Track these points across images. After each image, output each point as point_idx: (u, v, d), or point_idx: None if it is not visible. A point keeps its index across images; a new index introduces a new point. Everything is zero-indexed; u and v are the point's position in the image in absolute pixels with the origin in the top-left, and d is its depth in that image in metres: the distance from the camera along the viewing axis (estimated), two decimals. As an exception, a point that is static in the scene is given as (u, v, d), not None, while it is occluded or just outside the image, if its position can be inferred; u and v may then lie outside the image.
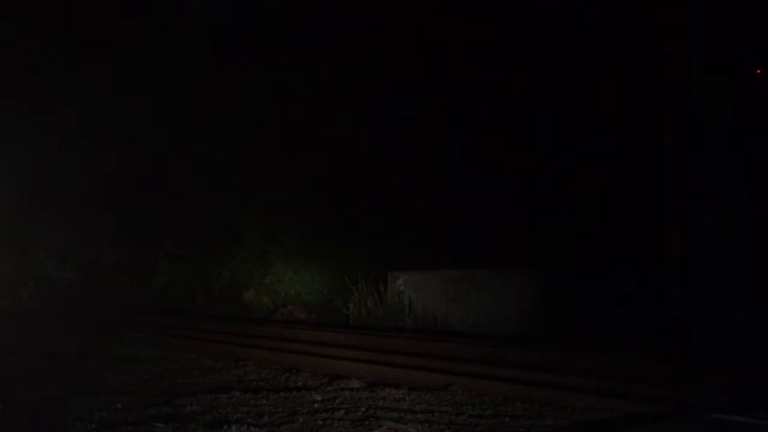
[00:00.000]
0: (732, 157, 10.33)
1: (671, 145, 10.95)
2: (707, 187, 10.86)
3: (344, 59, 16.55)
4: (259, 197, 18.50)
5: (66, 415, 5.02)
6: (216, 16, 17.78)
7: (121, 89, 20.37)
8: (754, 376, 6.65)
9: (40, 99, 21.47)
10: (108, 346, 9.54)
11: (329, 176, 17.01)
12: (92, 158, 22.43)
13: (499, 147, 14.09)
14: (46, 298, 25.16)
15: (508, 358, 7.92)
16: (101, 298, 22.44)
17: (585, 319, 10.37)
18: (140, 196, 21.86)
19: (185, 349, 8.85)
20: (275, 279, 17.67)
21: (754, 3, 11.00)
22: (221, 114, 19.18)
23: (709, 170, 10.77)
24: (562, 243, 12.28)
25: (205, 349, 8.84)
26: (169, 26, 18.39)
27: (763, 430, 4.54)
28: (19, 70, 21.23)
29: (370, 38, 15.69)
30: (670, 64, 11.70)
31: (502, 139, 14.14)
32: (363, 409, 5.21)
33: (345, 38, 16.17)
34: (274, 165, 18.18)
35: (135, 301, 20.97)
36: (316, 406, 5.38)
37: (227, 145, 19.12)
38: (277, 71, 17.59)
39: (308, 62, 17.28)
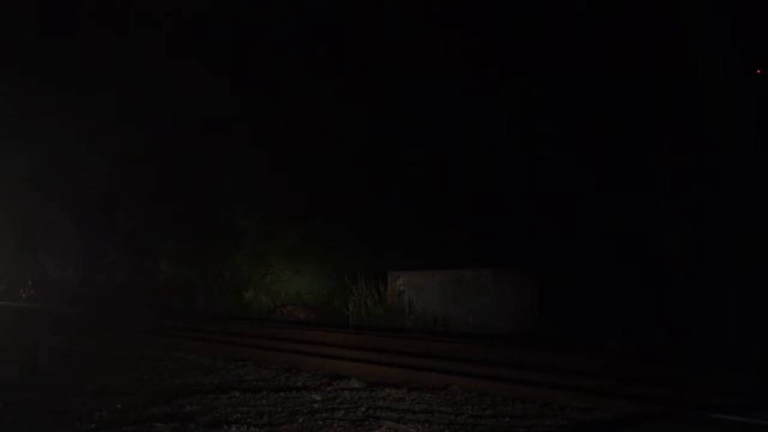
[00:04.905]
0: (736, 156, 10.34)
1: (671, 143, 10.94)
2: (708, 187, 10.87)
3: (344, 60, 16.56)
4: (259, 197, 18.50)
5: (66, 415, 5.01)
6: (216, 16, 17.79)
7: (121, 92, 20.37)
8: (753, 378, 6.65)
9: (40, 102, 21.51)
10: (108, 346, 9.54)
11: (329, 176, 17.00)
12: (93, 159, 22.46)
13: (497, 146, 14.07)
14: (46, 298, 25.18)
15: (508, 358, 7.92)
16: (101, 298, 22.44)
17: (585, 319, 10.36)
18: (141, 197, 21.87)
19: (185, 349, 8.85)
20: (275, 279, 17.68)
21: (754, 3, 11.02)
22: (222, 114, 19.18)
23: (711, 166, 10.78)
24: (562, 243, 12.27)
25: (205, 349, 8.84)
26: (169, 25, 18.40)
27: (763, 430, 4.54)
28: (20, 74, 21.29)
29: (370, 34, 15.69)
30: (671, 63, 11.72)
31: (499, 138, 14.12)
32: (363, 409, 5.21)
33: (345, 39, 16.18)
34: (274, 166, 18.18)
35: (135, 300, 20.98)
36: (316, 406, 5.37)
37: (228, 146, 19.12)
38: (278, 72, 17.59)
39: (308, 64, 17.28)
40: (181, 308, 18.93)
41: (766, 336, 8.35)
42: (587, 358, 8.26)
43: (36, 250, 27.70)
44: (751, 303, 9.36)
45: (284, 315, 15.97)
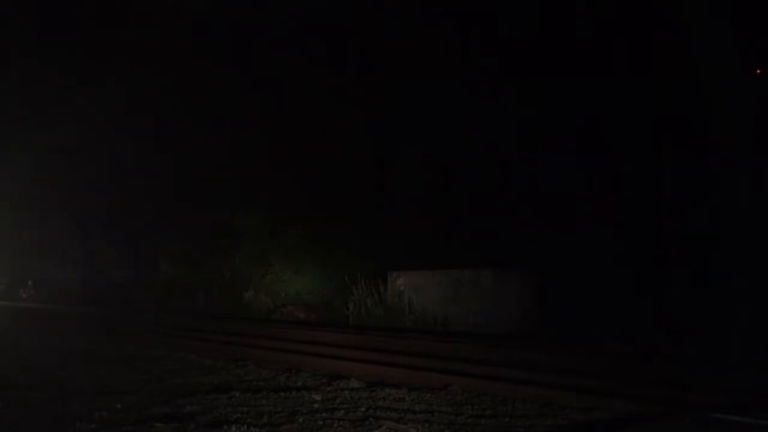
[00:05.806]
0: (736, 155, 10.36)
1: (671, 143, 10.95)
2: (708, 190, 10.88)
3: (345, 60, 16.55)
4: (259, 198, 18.50)
5: (66, 415, 5.01)
6: (216, 16, 17.81)
7: (121, 92, 20.39)
8: (753, 378, 6.65)
9: (40, 101, 21.54)
10: (108, 346, 9.54)
11: (329, 176, 16.99)
12: (94, 159, 22.46)
13: (497, 146, 14.07)
14: (46, 298, 25.18)
15: (508, 358, 7.92)
16: (101, 298, 22.44)
17: (585, 319, 10.36)
18: (141, 197, 21.88)
19: (185, 349, 8.85)
20: (275, 279, 17.69)
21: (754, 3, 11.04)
22: (222, 115, 19.19)
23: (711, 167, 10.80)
24: (562, 243, 12.27)
25: (205, 349, 8.84)
26: (169, 25, 18.41)
27: (763, 430, 4.54)
28: (20, 74, 21.34)
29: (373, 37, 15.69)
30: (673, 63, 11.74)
31: (499, 138, 14.12)
32: (363, 409, 5.21)
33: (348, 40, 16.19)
34: (274, 166, 18.18)
35: (135, 300, 20.97)
36: (316, 406, 5.37)
37: (228, 147, 19.13)
38: (278, 71, 17.59)
39: (309, 64, 17.28)
40: (181, 308, 18.92)
41: (766, 336, 8.35)
42: (587, 358, 8.27)
43: (36, 249, 27.69)
44: (752, 303, 9.36)
45: (284, 315, 15.97)
